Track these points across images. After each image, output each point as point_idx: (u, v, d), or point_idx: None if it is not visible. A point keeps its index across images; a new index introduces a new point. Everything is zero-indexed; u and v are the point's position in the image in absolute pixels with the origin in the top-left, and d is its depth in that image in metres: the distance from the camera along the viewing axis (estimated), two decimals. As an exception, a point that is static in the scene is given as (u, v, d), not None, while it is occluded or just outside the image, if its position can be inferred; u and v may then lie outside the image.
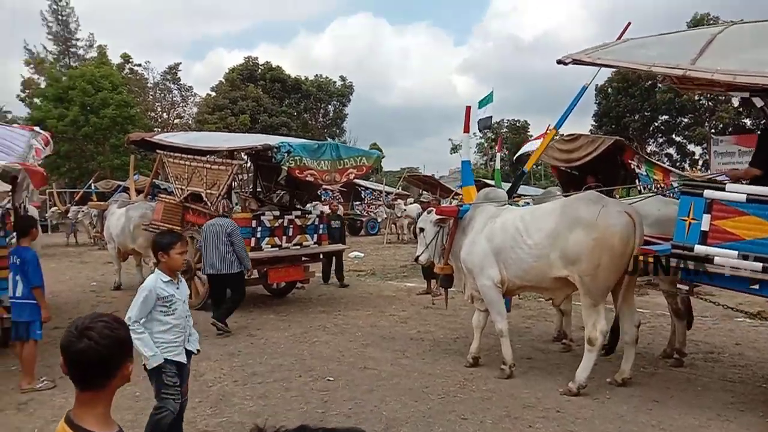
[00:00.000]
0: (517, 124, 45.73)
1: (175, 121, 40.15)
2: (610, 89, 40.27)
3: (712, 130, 36.03)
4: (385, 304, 10.02)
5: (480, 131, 41.48)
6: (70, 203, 23.25)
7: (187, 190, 9.97)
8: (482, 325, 6.29)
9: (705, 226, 4.52)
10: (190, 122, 39.35)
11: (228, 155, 9.49)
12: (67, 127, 29.78)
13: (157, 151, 10.80)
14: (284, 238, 9.70)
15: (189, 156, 9.93)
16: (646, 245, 5.15)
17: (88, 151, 31.99)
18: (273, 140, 9.23)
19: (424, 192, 30.58)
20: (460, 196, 6.84)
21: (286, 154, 8.49)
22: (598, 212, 5.16)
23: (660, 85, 37.61)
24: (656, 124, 40.21)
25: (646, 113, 39.18)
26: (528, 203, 7.41)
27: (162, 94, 40.41)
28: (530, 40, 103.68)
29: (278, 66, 44.37)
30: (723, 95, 36.19)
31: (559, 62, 4.94)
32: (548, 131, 7.99)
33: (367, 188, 28.09)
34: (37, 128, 8.94)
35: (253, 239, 9.29)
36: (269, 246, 9.54)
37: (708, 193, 4.52)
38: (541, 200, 6.64)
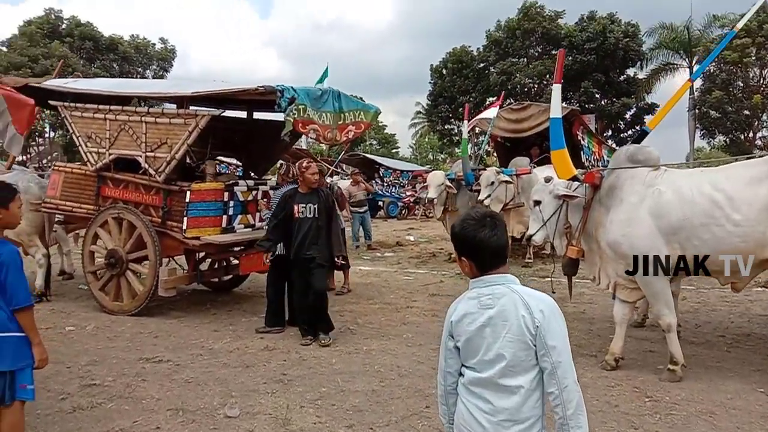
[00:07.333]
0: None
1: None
2: (444, 70, 41.18)
3: (538, 111, 38.61)
4: (390, 294, 8.36)
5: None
6: None
7: (109, 155, 7.27)
8: (627, 318, 5.07)
9: None
10: (-25, 82, 32.01)
11: (186, 105, 7.01)
12: None
13: (51, 102, 7.76)
14: (257, 215, 7.52)
15: (113, 108, 7.21)
16: None
17: None
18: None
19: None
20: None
21: (289, 102, 6.36)
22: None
23: (492, 68, 39.64)
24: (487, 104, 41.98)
25: (477, 94, 40.64)
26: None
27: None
28: (329, 20, 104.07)
29: (88, 22, 38.09)
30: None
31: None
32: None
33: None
34: None
35: (225, 218, 7.01)
36: (242, 226, 7.31)
37: None
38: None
